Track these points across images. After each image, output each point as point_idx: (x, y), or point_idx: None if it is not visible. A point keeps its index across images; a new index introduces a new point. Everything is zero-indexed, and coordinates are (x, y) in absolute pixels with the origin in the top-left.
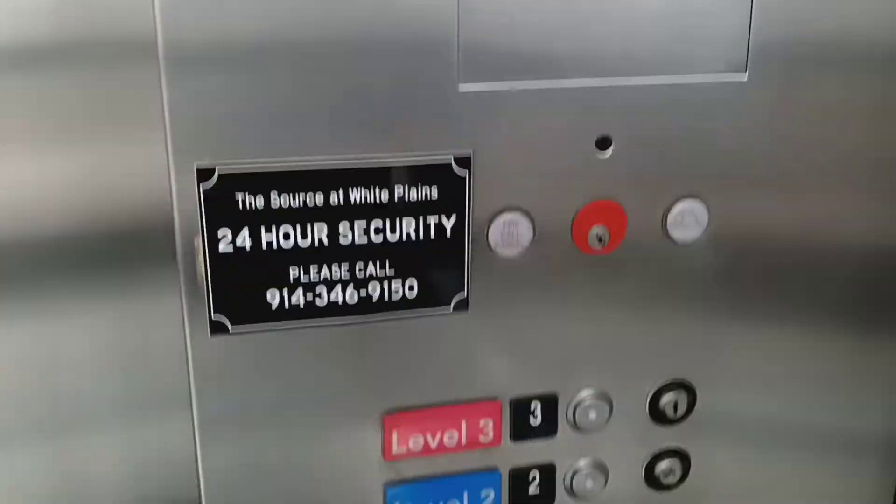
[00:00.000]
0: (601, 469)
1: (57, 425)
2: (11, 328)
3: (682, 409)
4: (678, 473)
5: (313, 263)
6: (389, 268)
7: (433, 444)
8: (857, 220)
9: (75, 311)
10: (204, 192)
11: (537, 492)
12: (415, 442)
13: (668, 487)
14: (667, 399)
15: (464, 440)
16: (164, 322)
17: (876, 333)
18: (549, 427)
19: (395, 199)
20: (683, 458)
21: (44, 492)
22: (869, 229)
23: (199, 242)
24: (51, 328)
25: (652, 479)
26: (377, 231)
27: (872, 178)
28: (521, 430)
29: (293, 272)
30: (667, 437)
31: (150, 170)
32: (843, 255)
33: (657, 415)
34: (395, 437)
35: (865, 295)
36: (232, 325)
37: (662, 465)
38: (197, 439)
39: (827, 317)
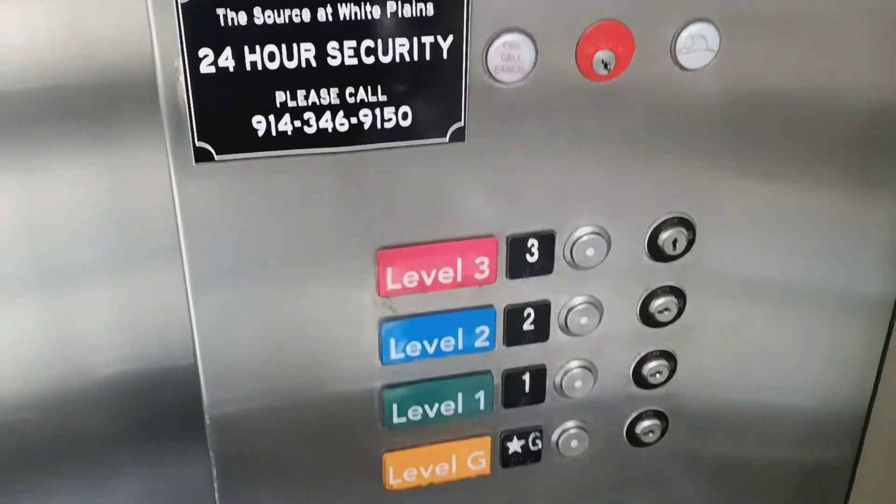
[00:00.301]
0: (596, 306)
1: (49, 279)
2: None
3: (681, 246)
4: (673, 311)
5: (301, 88)
6: (382, 93)
7: (428, 281)
8: (864, 75)
9: (61, 162)
10: (182, 6)
11: (531, 328)
12: (409, 279)
13: (663, 324)
14: (666, 235)
15: (459, 277)
16: (151, 169)
17: (873, 193)
18: (545, 264)
19: (388, 16)
20: (679, 295)
21: (39, 343)
22: (874, 85)
23: (179, 64)
24: (37, 180)
25: (647, 316)
26: (368, 52)
27: (883, 31)
28: (517, 267)
29: (279, 97)
30: (664, 275)
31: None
32: (848, 110)
33: (655, 252)
34: (389, 273)
35: (866, 152)
36: (217, 153)
37: (658, 303)
38: (189, 289)
39: (826, 171)
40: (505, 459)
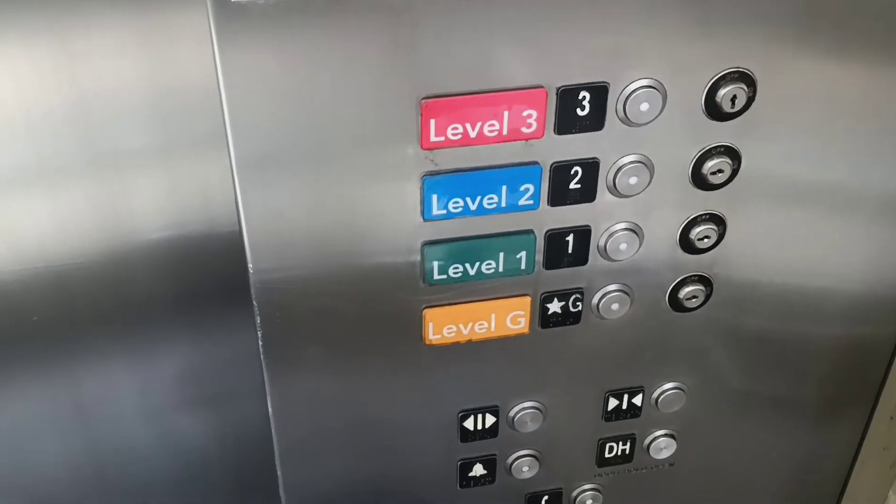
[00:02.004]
0: (647, 166)
1: (98, 162)
2: (45, 61)
3: (739, 103)
4: (727, 173)
5: None
6: None
7: (473, 133)
8: None
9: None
10: None
11: (578, 187)
12: (453, 131)
13: (715, 187)
14: (725, 91)
15: (505, 130)
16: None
17: None
18: (596, 119)
19: None
20: (734, 156)
21: (89, 224)
22: None
23: None
24: (81, 61)
25: (699, 178)
26: None
27: None
28: (566, 121)
29: None
30: (719, 135)
31: None
32: None
33: (713, 109)
34: (432, 125)
35: None
36: None
37: (711, 163)
38: (232, 152)
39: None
40: (544, 320)
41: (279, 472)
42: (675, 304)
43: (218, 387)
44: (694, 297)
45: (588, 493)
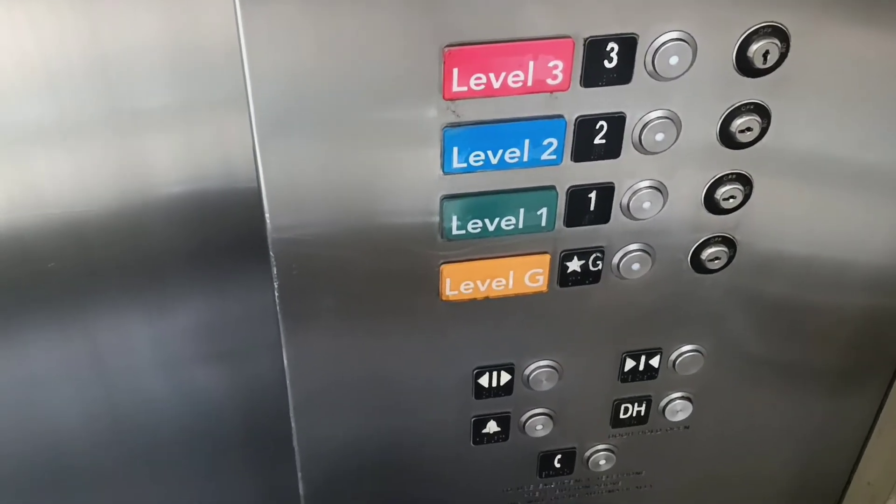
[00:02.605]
0: (674, 121)
1: (116, 121)
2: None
3: (772, 59)
4: (756, 131)
5: None
6: None
7: (496, 83)
8: None
9: None
10: None
11: (602, 143)
12: (477, 81)
13: (743, 145)
14: (757, 46)
15: (530, 81)
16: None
17: None
18: (624, 72)
19: None
20: (763, 114)
21: (106, 174)
22: None
23: None
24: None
25: (727, 136)
26: None
27: None
28: (593, 73)
29: None
30: (749, 91)
31: None
32: None
33: (744, 64)
34: (455, 74)
35: None
36: None
37: (740, 121)
38: (251, 102)
39: None
40: (563, 278)
41: (293, 426)
42: (697, 265)
43: (234, 342)
44: (716, 258)
45: (601, 453)
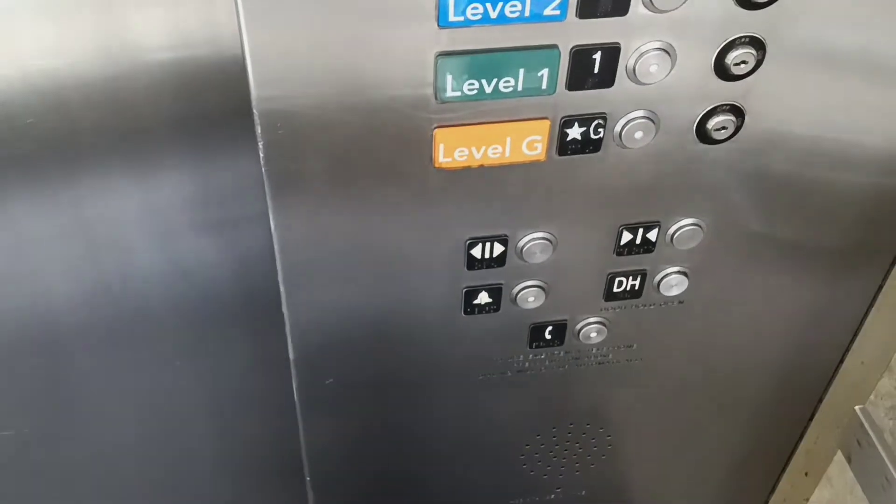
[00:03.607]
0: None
1: None
2: None
3: None
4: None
5: None
6: None
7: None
8: None
9: None
10: None
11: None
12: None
13: (758, 5)
14: None
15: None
16: None
17: None
18: None
19: None
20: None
21: (90, 47)
22: None
23: None
24: None
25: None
26: None
27: None
28: None
29: None
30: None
31: None
32: None
33: None
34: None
35: None
36: None
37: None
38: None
39: None
40: (562, 147)
41: (282, 294)
42: (703, 134)
43: (223, 211)
44: (723, 127)
45: (593, 325)
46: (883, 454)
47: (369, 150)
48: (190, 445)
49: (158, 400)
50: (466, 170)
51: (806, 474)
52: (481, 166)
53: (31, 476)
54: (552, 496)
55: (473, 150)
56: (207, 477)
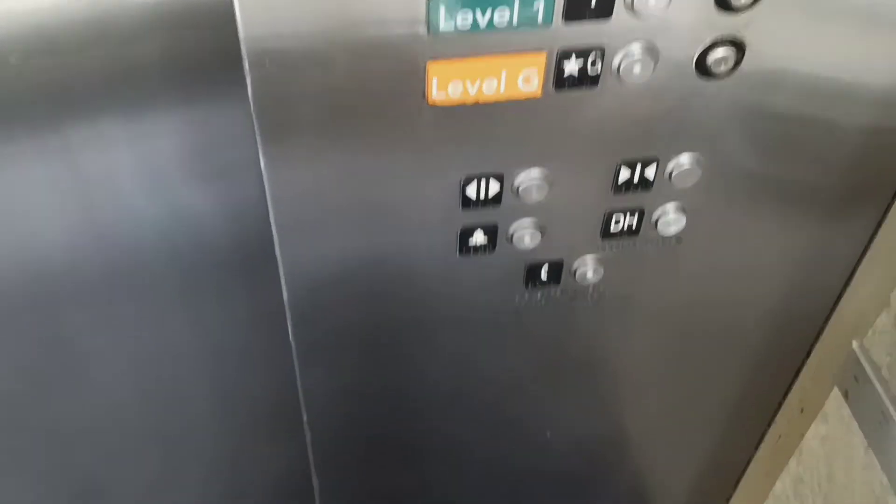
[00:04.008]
0: None
1: None
2: None
3: None
4: None
5: None
6: None
7: None
8: None
9: None
10: None
11: None
12: None
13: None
14: None
15: None
16: None
17: None
18: None
19: None
20: None
21: None
22: None
23: None
24: None
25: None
26: None
27: None
28: None
29: None
30: None
31: None
32: None
33: None
34: None
35: None
36: None
37: None
38: None
39: None
40: (559, 81)
41: (276, 241)
42: (702, 68)
43: (217, 158)
44: (723, 62)
45: (590, 264)
46: (880, 390)
47: (361, 87)
48: (187, 395)
49: (154, 350)
50: (461, 107)
51: (802, 411)
52: (476, 103)
53: (26, 429)
54: (546, 435)
55: (468, 84)
56: (205, 425)
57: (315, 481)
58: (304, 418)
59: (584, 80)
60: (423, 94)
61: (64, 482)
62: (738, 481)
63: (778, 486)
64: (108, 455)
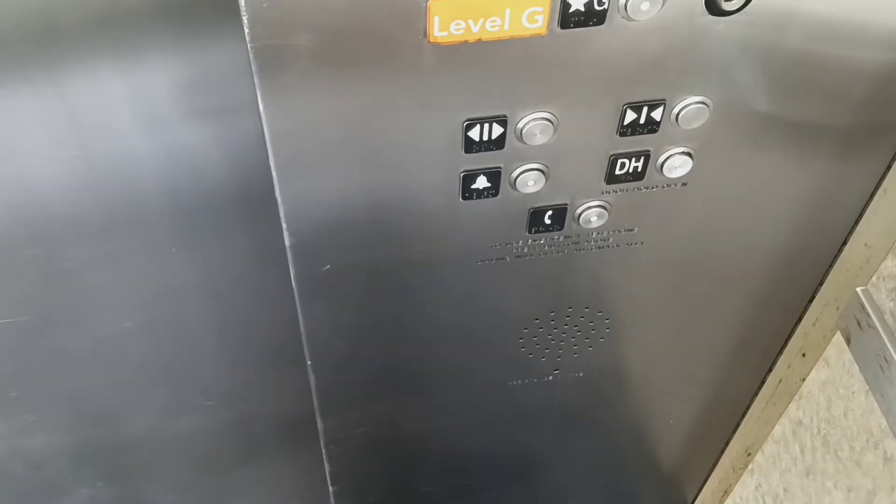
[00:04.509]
0: None
1: None
2: None
3: None
4: None
5: None
6: None
7: None
8: None
9: None
10: None
11: None
12: None
13: None
14: None
15: None
16: None
17: None
18: None
19: None
20: None
21: None
22: None
23: None
24: None
25: None
26: None
27: None
28: None
29: None
30: None
31: None
32: None
33: None
34: None
35: None
36: None
37: None
38: None
39: None
40: (565, 19)
41: (275, 181)
42: (711, 5)
43: (214, 99)
44: None
45: (594, 209)
46: (883, 335)
47: (360, 25)
48: (189, 334)
49: (157, 288)
50: (463, 45)
51: (803, 355)
52: (479, 41)
53: (33, 363)
54: (550, 377)
55: (471, 22)
56: (208, 366)
57: (318, 415)
58: (307, 356)
59: (591, 17)
60: (424, 32)
61: (77, 407)
62: (737, 425)
63: (777, 429)
64: (117, 384)
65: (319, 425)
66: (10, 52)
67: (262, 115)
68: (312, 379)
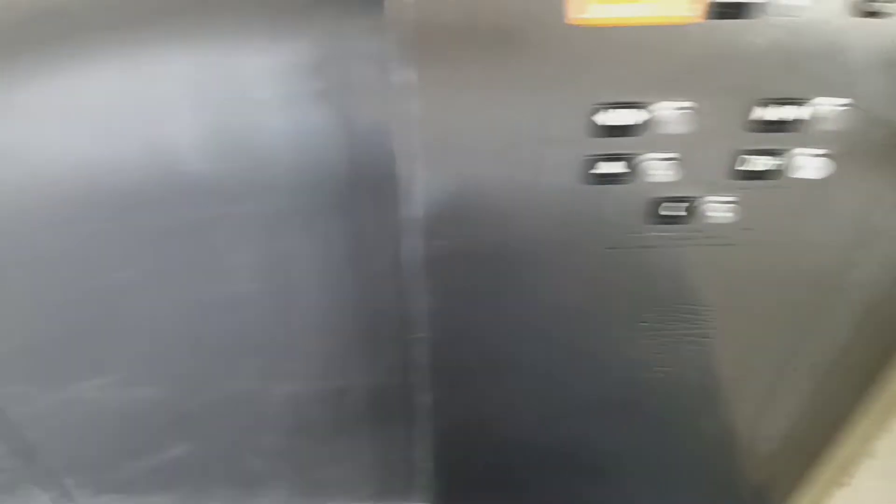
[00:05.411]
0: None
1: None
2: None
3: None
4: None
5: None
6: None
7: None
8: None
9: None
10: None
11: None
12: None
13: None
14: None
15: None
16: None
17: None
18: None
19: None
20: None
21: None
22: None
23: None
24: None
25: None
26: None
27: None
28: None
29: None
30: None
31: None
32: None
33: None
34: None
35: None
36: None
37: None
38: None
39: None
40: (715, 9)
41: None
42: (860, 7)
43: (342, 80)
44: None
45: (719, 205)
46: None
47: (499, 4)
48: (294, 305)
49: (270, 253)
50: (601, 28)
51: None
52: (619, 25)
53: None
54: (656, 372)
55: (618, 7)
56: (312, 328)
57: (429, 390)
58: (426, 332)
59: (741, 10)
60: (562, 13)
61: (172, 369)
62: (835, 438)
63: (877, 445)
64: (218, 347)
65: (427, 401)
66: (163, 17)
67: (413, 97)
68: (429, 353)
